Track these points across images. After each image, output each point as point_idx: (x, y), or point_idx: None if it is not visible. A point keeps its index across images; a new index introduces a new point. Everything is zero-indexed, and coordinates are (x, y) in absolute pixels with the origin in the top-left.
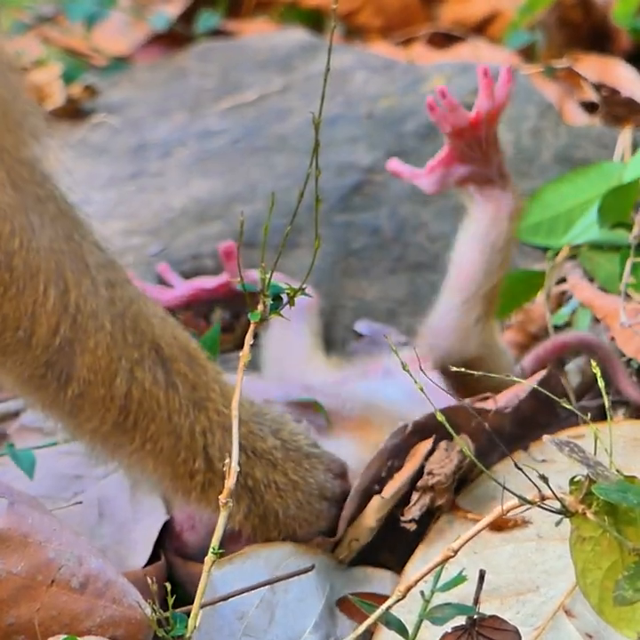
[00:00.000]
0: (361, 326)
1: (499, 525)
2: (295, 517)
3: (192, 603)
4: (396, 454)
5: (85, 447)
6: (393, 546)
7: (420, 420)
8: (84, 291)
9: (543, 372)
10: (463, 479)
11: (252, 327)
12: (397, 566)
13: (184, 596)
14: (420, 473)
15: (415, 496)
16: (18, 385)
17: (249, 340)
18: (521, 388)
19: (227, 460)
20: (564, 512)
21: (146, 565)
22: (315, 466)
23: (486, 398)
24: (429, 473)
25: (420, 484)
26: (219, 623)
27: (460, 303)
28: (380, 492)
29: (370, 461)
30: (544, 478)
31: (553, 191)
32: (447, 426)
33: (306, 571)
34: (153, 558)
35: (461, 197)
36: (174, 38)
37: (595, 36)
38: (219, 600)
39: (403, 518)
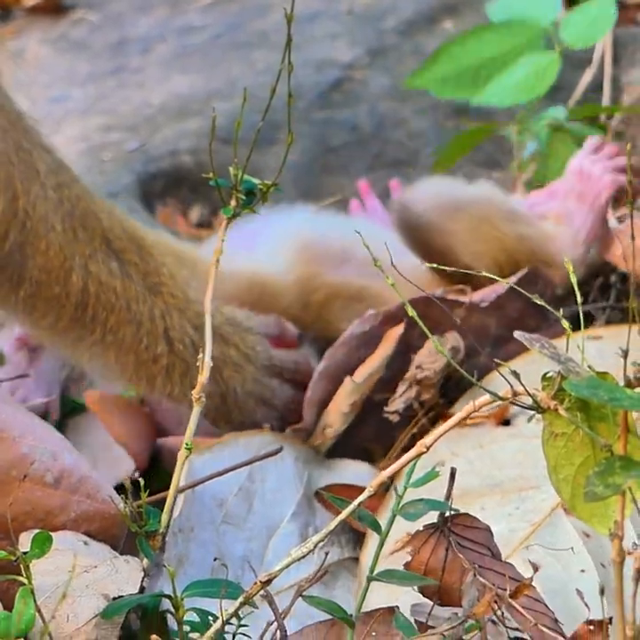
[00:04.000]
0: None
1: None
2: (251, 393)
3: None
4: (367, 342)
5: (45, 343)
6: (379, 437)
7: (390, 309)
8: (33, 196)
9: (523, 271)
10: (449, 377)
11: (225, 223)
12: (383, 457)
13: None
14: (394, 358)
15: (401, 388)
16: None
17: (222, 235)
18: (500, 285)
19: (200, 356)
20: (536, 408)
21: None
22: (257, 341)
23: (461, 291)
24: (418, 367)
25: (407, 376)
26: (199, 510)
27: None
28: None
29: (335, 345)
30: (516, 374)
31: (460, 45)
32: (417, 319)
33: (275, 452)
34: None
35: None
36: None
37: None
38: (194, 484)
39: (386, 408)
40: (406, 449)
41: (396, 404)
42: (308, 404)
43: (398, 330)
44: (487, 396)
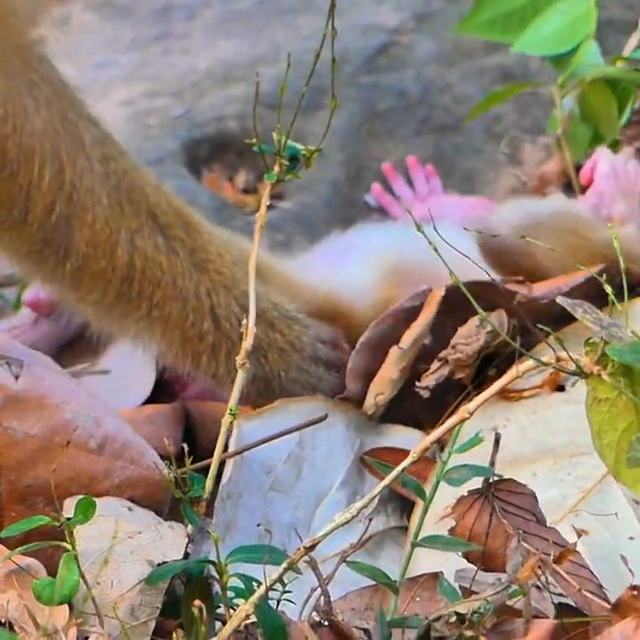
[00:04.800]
0: (370, 199)
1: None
2: (296, 380)
3: (208, 449)
4: (414, 316)
5: (90, 320)
6: (430, 407)
7: (444, 285)
8: (79, 168)
9: (605, 264)
10: (496, 354)
11: (267, 188)
12: (433, 426)
13: (198, 440)
14: (445, 332)
15: (435, 365)
16: (17, 260)
17: (265, 201)
18: (564, 281)
19: (244, 322)
20: (580, 373)
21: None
22: (303, 330)
23: (523, 282)
24: (454, 346)
25: (441, 354)
26: (247, 476)
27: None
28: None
29: (381, 317)
30: (559, 340)
31: None
32: (468, 295)
33: (320, 419)
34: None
35: None
36: None
37: None
38: (242, 451)
39: (418, 384)
40: None
41: (428, 380)
42: (351, 374)
43: (439, 293)
44: (531, 362)
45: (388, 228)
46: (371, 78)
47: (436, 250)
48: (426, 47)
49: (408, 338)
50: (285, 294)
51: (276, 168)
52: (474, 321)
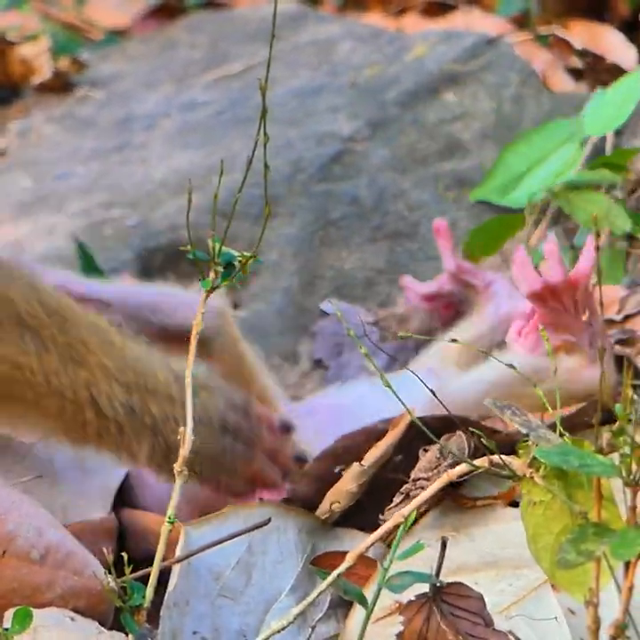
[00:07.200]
0: (327, 306)
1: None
2: (198, 452)
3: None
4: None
5: None
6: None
7: (425, 417)
8: None
9: (578, 405)
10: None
11: (203, 296)
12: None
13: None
14: (405, 437)
15: (397, 499)
16: None
17: (201, 308)
18: (547, 415)
19: (181, 429)
20: (512, 476)
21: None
22: (212, 397)
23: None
24: (415, 480)
25: (403, 488)
26: (194, 583)
27: None
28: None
29: (354, 432)
30: (491, 442)
31: (512, 152)
32: (428, 432)
33: (263, 524)
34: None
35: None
36: (172, 10)
37: (592, 3)
38: (185, 557)
39: (382, 517)
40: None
41: (391, 513)
42: (305, 478)
43: (406, 418)
44: (464, 466)
45: (376, 387)
46: (324, 186)
47: (396, 395)
48: (380, 154)
49: (371, 457)
50: None
51: (212, 275)
52: (434, 452)
